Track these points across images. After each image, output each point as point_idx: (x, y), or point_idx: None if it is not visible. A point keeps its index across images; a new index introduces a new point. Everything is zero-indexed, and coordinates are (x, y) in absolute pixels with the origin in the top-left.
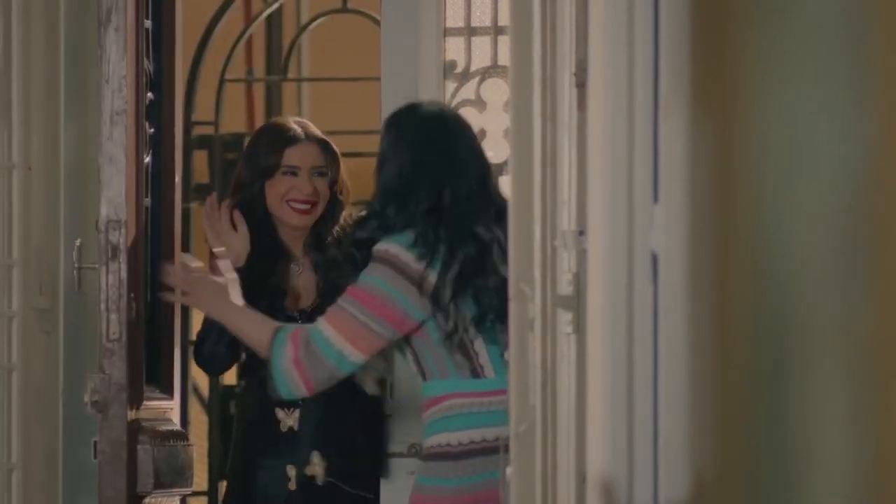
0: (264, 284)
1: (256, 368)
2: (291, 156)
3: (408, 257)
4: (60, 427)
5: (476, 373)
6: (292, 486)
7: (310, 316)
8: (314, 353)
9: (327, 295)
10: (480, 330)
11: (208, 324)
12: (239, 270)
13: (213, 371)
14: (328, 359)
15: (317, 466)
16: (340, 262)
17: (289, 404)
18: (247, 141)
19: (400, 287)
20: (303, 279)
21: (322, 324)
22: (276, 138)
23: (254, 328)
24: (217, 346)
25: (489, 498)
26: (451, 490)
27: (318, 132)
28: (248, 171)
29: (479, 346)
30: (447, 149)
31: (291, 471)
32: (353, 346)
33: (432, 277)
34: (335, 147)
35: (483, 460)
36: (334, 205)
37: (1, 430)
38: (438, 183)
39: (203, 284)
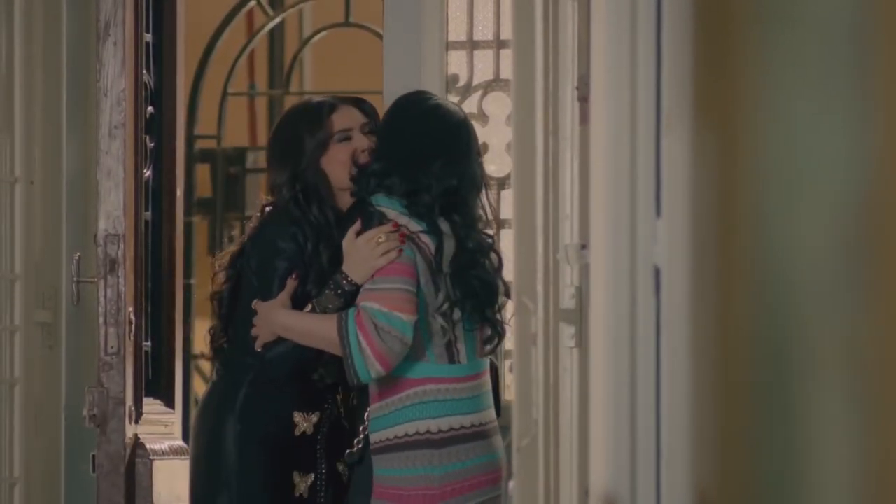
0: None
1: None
2: (338, 121)
3: (415, 227)
4: (63, 441)
5: (452, 358)
6: (297, 492)
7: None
8: (383, 328)
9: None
10: (462, 313)
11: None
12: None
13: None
14: (399, 329)
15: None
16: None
17: (309, 409)
18: (269, 145)
19: (412, 249)
20: None
21: (372, 303)
22: (311, 114)
23: (318, 328)
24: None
25: (472, 485)
26: (439, 478)
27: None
28: (295, 159)
29: (459, 330)
30: (467, 149)
31: (296, 478)
32: (404, 311)
33: (432, 247)
34: (369, 102)
35: (464, 447)
36: None
37: (3, 445)
38: (451, 174)
39: (260, 317)
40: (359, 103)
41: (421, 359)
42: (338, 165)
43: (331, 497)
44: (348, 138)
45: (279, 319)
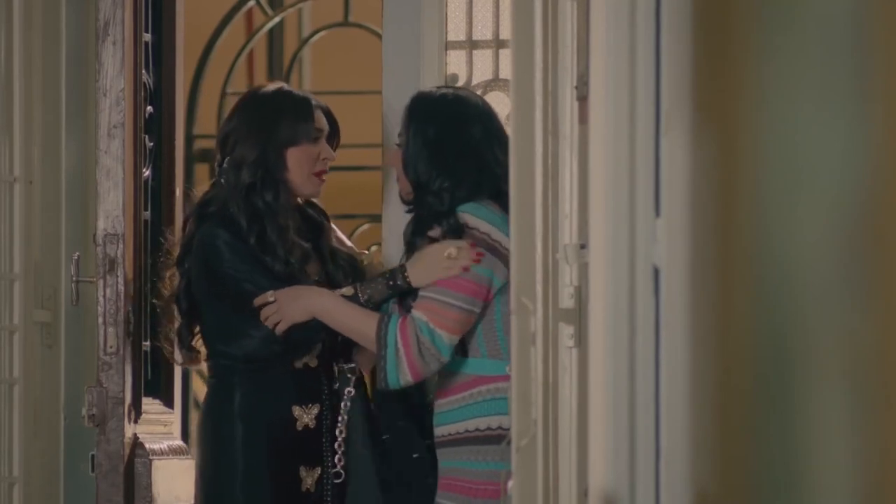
0: (297, 255)
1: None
2: (318, 120)
3: (500, 236)
4: (62, 441)
5: None
6: (303, 487)
7: (330, 277)
8: (425, 344)
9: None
10: None
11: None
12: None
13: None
14: (439, 349)
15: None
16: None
17: (307, 401)
18: (236, 109)
19: (488, 263)
20: None
21: (423, 314)
22: (299, 103)
23: (357, 321)
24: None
25: None
26: (507, 473)
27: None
28: (263, 140)
29: None
30: (500, 131)
31: (303, 472)
32: (450, 332)
33: None
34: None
35: None
36: None
37: (2, 445)
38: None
39: (287, 299)
40: (327, 112)
41: (497, 357)
42: (303, 163)
43: (337, 491)
44: (318, 140)
45: (319, 300)
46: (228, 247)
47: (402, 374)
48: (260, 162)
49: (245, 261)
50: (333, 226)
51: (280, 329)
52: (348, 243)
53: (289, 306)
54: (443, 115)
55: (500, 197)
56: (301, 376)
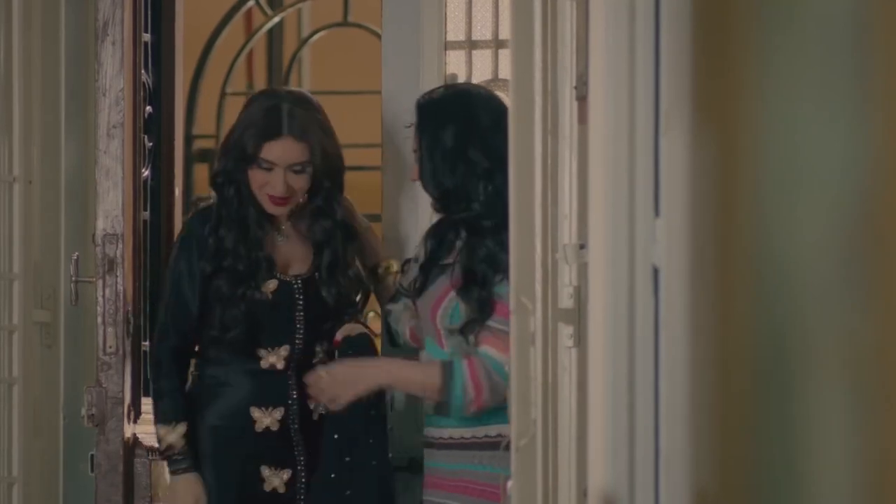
0: (254, 254)
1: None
2: (268, 151)
3: None
4: (61, 441)
5: None
6: (267, 487)
7: (307, 281)
8: (498, 385)
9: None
10: None
11: None
12: (220, 237)
13: None
14: (506, 382)
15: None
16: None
17: (269, 403)
18: (246, 102)
19: None
20: (289, 247)
21: (491, 351)
22: (260, 129)
23: (422, 376)
24: None
25: None
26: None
27: (305, 122)
28: (235, 147)
29: None
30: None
31: (266, 472)
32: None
33: None
34: (322, 140)
35: None
36: (325, 185)
37: (2, 444)
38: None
39: (337, 379)
40: (307, 140)
41: None
42: (253, 182)
43: (312, 493)
44: (269, 169)
45: (380, 376)
46: (185, 252)
47: (465, 409)
48: (227, 160)
49: (187, 272)
50: (367, 237)
51: (336, 407)
52: (378, 252)
53: (347, 387)
54: (454, 116)
55: None
56: (264, 377)
